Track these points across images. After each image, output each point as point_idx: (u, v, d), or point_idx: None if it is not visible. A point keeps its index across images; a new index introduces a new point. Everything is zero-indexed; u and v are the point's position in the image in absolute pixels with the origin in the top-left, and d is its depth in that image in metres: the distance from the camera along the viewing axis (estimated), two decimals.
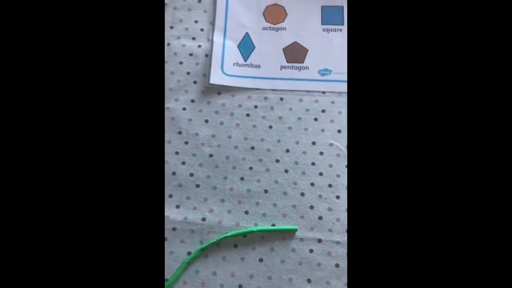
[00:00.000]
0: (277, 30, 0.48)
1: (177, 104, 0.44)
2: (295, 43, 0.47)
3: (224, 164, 0.42)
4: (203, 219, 0.40)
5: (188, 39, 0.47)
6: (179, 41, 0.47)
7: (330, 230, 0.40)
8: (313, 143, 0.43)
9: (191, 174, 0.42)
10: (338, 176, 0.41)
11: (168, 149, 0.43)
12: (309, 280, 0.38)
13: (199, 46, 0.47)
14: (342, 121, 0.43)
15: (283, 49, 0.47)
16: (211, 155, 0.42)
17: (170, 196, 0.41)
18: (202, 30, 0.48)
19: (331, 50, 0.46)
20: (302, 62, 0.46)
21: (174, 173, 0.42)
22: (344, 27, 0.47)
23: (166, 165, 0.42)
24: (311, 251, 0.39)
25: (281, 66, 0.46)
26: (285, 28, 0.48)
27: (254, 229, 0.39)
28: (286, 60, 0.46)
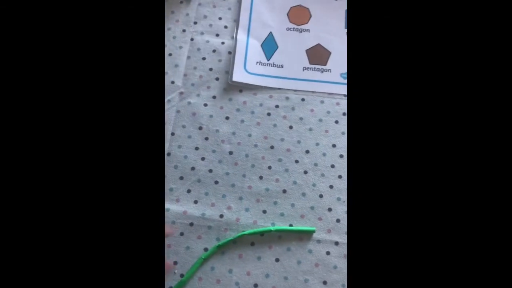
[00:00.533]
0: (301, 31, 0.48)
1: (199, 100, 0.44)
2: (318, 45, 0.47)
3: (243, 162, 0.42)
4: (221, 216, 0.40)
5: (211, 36, 0.47)
6: (203, 37, 0.47)
7: (347, 233, 0.40)
8: (333, 145, 0.43)
9: (210, 170, 0.42)
10: None
11: (188, 144, 0.43)
12: (325, 282, 0.38)
13: (223, 43, 0.47)
14: None
15: (306, 51, 0.47)
16: (231, 152, 0.42)
17: (188, 191, 0.41)
18: (226, 27, 0.48)
19: None
20: (325, 65, 0.46)
21: (193, 168, 0.42)
22: None
23: (185, 160, 0.42)
24: (327, 253, 0.39)
25: (303, 67, 0.46)
26: (308, 30, 0.48)
27: (272, 228, 0.39)
28: (309, 61, 0.46)
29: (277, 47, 0.47)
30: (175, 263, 0.38)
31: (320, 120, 0.44)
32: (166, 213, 0.40)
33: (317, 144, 0.43)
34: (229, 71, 0.45)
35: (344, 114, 0.44)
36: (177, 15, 0.48)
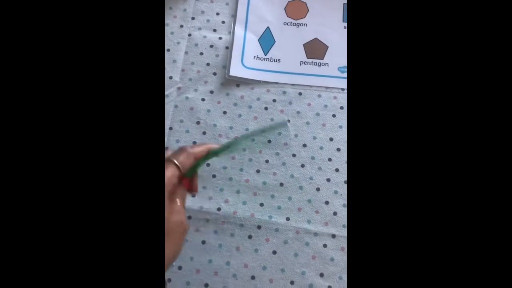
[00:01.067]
0: (298, 26, 0.48)
1: (196, 95, 0.45)
2: (316, 39, 0.47)
3: (241, 156, 0.42)
4: (218, 209, 0.40)
5: (209, 31, 0.47)
6: (200, 32, 0.47)
7: (344, 226, 0.40)
8: (331, 139, 0.43)
9: (208, 164, 0.42)
10: None
11: (186, 138, 0.43)
12: (321, 275, 0.38)
13: (220, 38, 0.47)
14: None
15: (304, 45, 0.47)
16: None
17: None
18: (223, 22, 0.48)
19: None
20: (322, 59, 0.46)
21: None
22: None
23: None
24: (324, 245, 0.39)
25: (301, 61, 0.46)
26: (306, 24, 0.48)
27: (240, 140, 0.32)
28: (306, 55, 0.46)
29: (275, 41, 0.47)
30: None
31: (317, 114, 0.44)
32: None
33: (314, 137, 0.43)
34: (226, 66, 0.46)
35: (341, 108, 0.44)
36: (174, 10, 0.48)
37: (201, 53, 0.46)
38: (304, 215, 0.40)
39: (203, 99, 0.45)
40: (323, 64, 0.46)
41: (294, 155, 0.42)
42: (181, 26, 0.48)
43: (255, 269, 0.39)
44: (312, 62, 0.46)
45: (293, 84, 0.45)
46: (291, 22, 0.48)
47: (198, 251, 0.39)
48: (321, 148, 0.43)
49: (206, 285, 0.38)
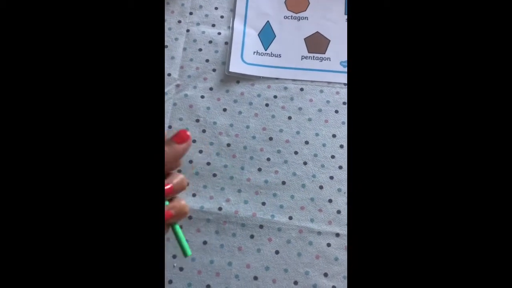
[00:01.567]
0: (299, 20, 0.47)
1: (196, 92, 0.44)
2: (317, 33, 0.46)
3: (242, 154, 0.41)
4: (220, 209, 0.40)
5: (208, 26, 0.46)
6: (199, 27, 0.46)
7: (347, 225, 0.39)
8: (334, 135, 0.42)
9: (208, 163, 0.41)
10: None
11: None
12: (325, 274, 0.38)
13: (219, 33, 0.46)
14: None
15: (305, 39, 0.46)
16: (228, 145, 0.42)
17: (187, 184, 0.40)
18: (222, 17, 0.47)
19: None
20: (324, 53, 0.45)
21: (191, 161, 0.41)
22: None
23: None
24: (328, 245, 0.38)
25: (302, 56, 0.45)
26: (307, 18, 0.47)
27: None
28: (308, 50, 0.45)
29: (275, 36, 0.46)
30: (174, 256, 0.38)
31: (320, 110, 0.43)
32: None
33: (317, 134, 0.42)
34: (226, 62, 0.45)
35: (344, 103, 0.43)
36: (172, 6, 0.47)
37: (200, 49, 0.45)
38: (307, 214, 0.39)
39: (202, 96, 0.44)
40: (325, 59, 0.45)
41: (296, 153, 0.41)
42: (179, 21, 0.46)
43: (257, 270, 0.38)
44: (313, 56, 0.45)
45: (294, 80, 0.44)
46: (291, 16, 0.47)
47: (199, 252, 0.38)
48: (324, 145, 0.42)
49: (208, 286, 0.38)
